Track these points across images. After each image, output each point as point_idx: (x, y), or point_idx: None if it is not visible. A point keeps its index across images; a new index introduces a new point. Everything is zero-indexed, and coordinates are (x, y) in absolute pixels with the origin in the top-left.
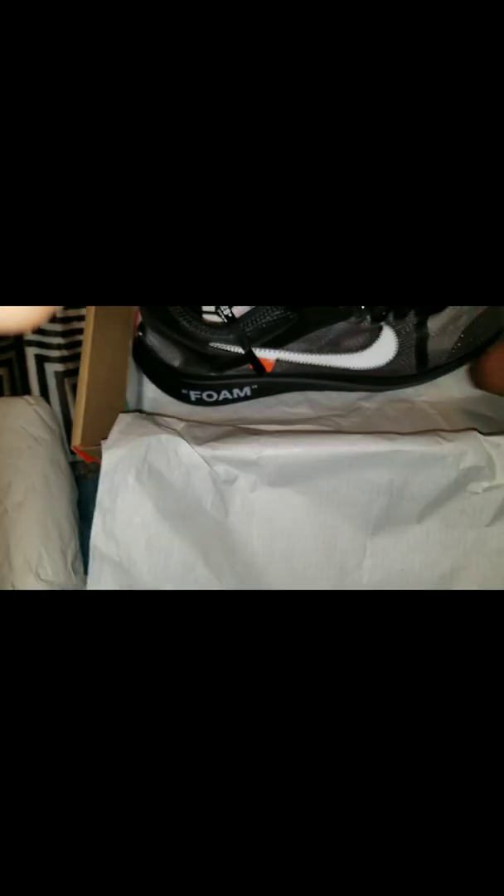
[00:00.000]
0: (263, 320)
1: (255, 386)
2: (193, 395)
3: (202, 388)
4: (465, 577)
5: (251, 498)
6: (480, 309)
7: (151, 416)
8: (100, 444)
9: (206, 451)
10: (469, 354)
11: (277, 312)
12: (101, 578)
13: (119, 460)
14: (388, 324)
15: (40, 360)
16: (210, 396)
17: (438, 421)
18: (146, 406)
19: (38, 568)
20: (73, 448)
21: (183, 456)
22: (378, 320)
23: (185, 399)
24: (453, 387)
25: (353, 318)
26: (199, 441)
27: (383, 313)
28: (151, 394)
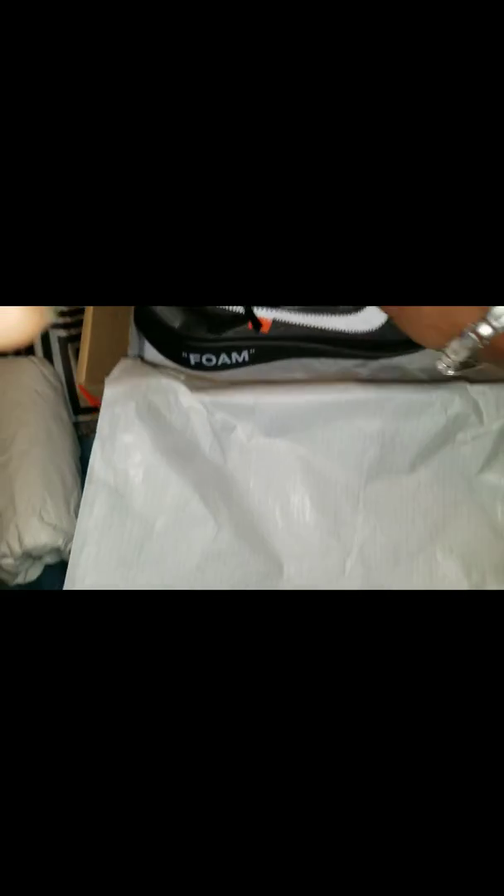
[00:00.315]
0: None
1: (253, 350)
2: (193, 358)
3: (201, 351)
4: (455, 525)
5: (248, 447)
6: None
7: (151, 364)
8: (103, 383)
9: (205, 397)
10: None
11: None
12: (96, 501)
13: (120, 394)
14: None
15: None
16: (209, 360)
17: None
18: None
19: (41, 511)
20: (77, 386)
21: (183, 400)
22: None
23: (185, 363)
24: None
25: None
26: (198, 389)
27: None
28: (152, 357)
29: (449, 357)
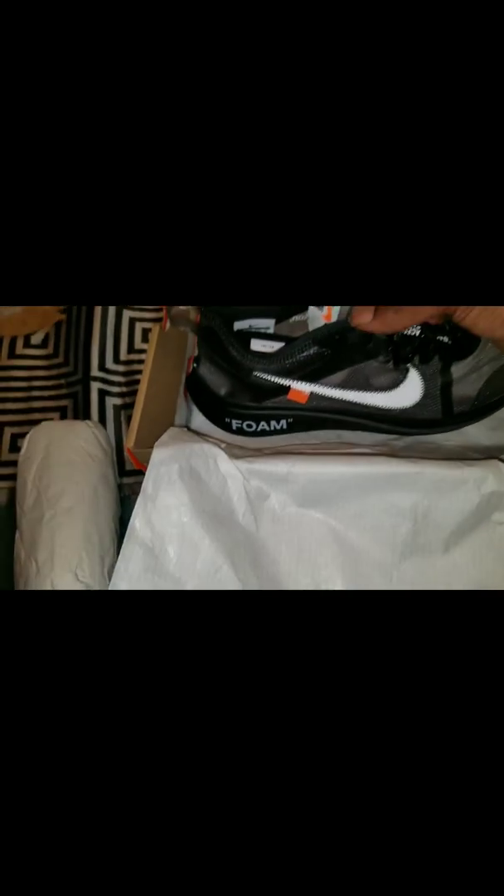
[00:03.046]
0: (301, 354)
1: (291, 419)
2: (235, 423)
3: (243, 418)
4: None
5: (281, 517)
6: (502, 360)
7: (197, 433)
8: (150, 448)
9: (242, 464)
10: (491, 405)
11: (314, 348)
12: (132, 558)
13: (166, 456)
14: (414, 366)
15: (102, 394)
16: (249, 426)
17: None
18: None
19: (77, 569)
20: (126, 450)
21: (221, 465)
22: (404, 361)
23: (227, 427)
24: (481, 435)
25: (380, 358)
26: (236, 457)
27: (409, 355)
28: (198, 422)
29: None
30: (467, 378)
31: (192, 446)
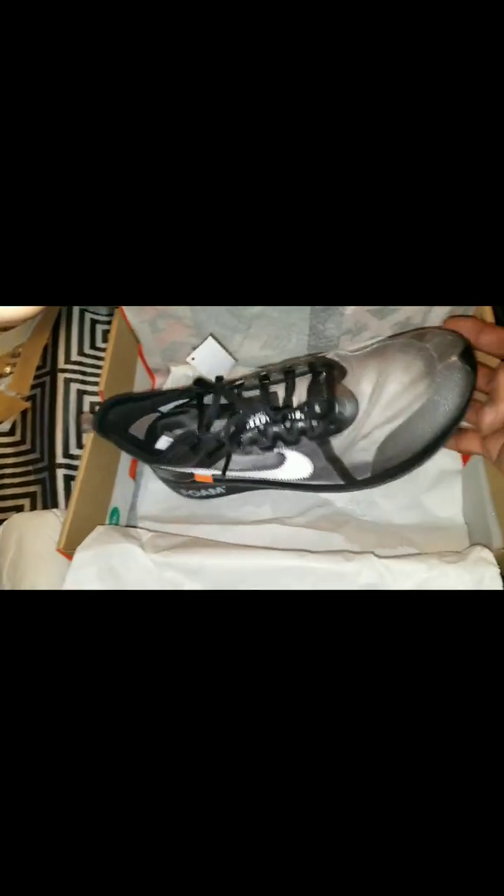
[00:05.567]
0: (173, 456)
1: (223, 487)
2: (182, 491)
3: (186, 488)
4: None
5: None
6: (392, 427)
7: (123, 528)
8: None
9: (158, 558)
10: (397, 468)
11: (185, 449)
12: None
13: (85, 561)
14: (287, 448)
15: (67, 479)
16: (194, 493)
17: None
18: (138, 512)
19: None
20: (57, 550)
21: (139, 561)
22: (269, 450)
23: (181, 493)
24: (394, 513)
25: (256, 448)
26: (157, 549)
27: (270, 445)
28: (147, 503)
29: None
30: (353, 448)
31: (112, 547)
